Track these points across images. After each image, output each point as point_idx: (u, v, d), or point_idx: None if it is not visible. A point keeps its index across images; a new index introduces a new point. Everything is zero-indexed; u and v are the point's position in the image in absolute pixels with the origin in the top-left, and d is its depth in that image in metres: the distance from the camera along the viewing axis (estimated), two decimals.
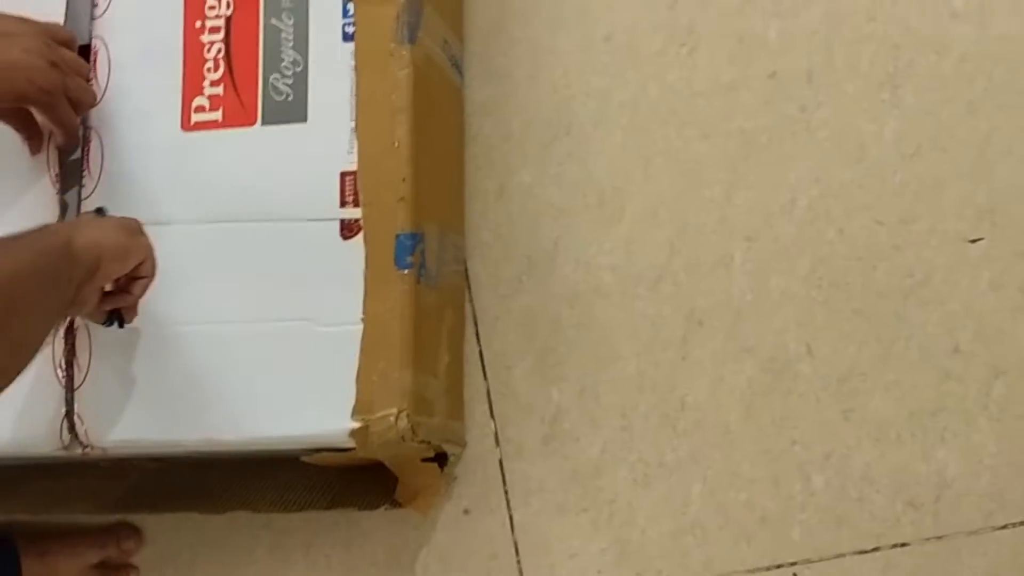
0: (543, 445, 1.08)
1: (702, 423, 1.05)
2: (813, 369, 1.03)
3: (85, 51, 1.03)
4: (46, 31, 0.94)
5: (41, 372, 0.97)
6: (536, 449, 1.08)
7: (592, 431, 1.07)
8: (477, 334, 1.11)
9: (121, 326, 0.94)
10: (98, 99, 1.01)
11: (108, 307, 0.91)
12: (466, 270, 1.12)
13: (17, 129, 0.97)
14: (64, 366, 0.98)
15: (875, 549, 1.00)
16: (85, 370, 0.98)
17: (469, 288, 1.12)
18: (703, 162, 1.09)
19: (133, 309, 0.94)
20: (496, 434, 1.09)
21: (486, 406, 1.10)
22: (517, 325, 1.11)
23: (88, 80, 1.00)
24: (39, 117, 0.97)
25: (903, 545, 1.00)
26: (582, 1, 1.14)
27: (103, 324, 0.93)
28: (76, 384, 0.97)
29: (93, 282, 0.84)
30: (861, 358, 1.03)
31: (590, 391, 1.08)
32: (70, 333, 0.98)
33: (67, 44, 0.97)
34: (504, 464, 1.09)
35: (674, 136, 1.10)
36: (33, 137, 0.98)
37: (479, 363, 1.11)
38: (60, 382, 0.97)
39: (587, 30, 1.14)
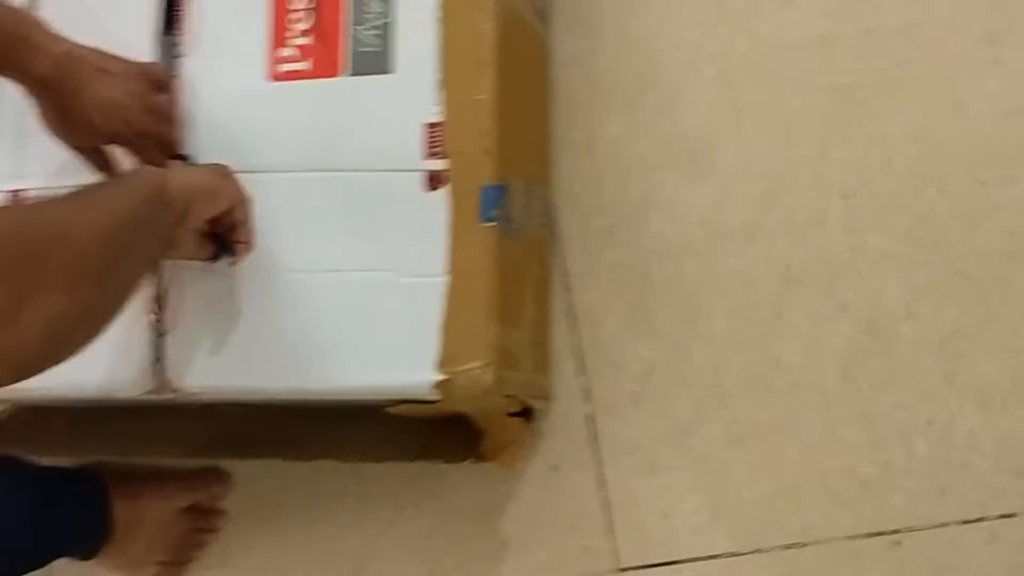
0: (633, 402, 1.04)
1: (798, 384, 1.01)
2: (914, 330, 0.99)
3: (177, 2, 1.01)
4: (145, 72, 0.94)
5: (132, 318, 0.95)
6: (626, 406, 1.04)
7: (683, 389, 1.03)
8: (567, 287, 1.08)
9: (233, 255, 0.93)
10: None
11: (210, 249, 0.91)
12: (555, 222, 1.09)
13: (96, 168, 0.95)
14: (155, 312, 0.97)
15: (980, 519, 0.96)
16: (175, 317, 0.96)
17: (559, 241, 1.08)
18: (796, 117, 1.05)
19: (243, 246, 0.93)
20: (586, 390, 1.06)
21: (575, 361, 1.07)
22: (607, 279, 1.07)
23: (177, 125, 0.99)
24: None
25: (1010, 516, 0.95)
26: None
27: (212, 260, 0.92)
28: (165, 330, 0.96)
29: (185, 224, 0.84)
30: (963, 320, 0.98)
31: (681, 348, 1.04)
32: (161, 281, 0.97)
33: (163, 87, 0.97)
34: (594, 420, 1.05)
35: (765, 91, 1.06)
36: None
37: (568, 317, 1.07)
38: (150, 327, 0.96)
39: None
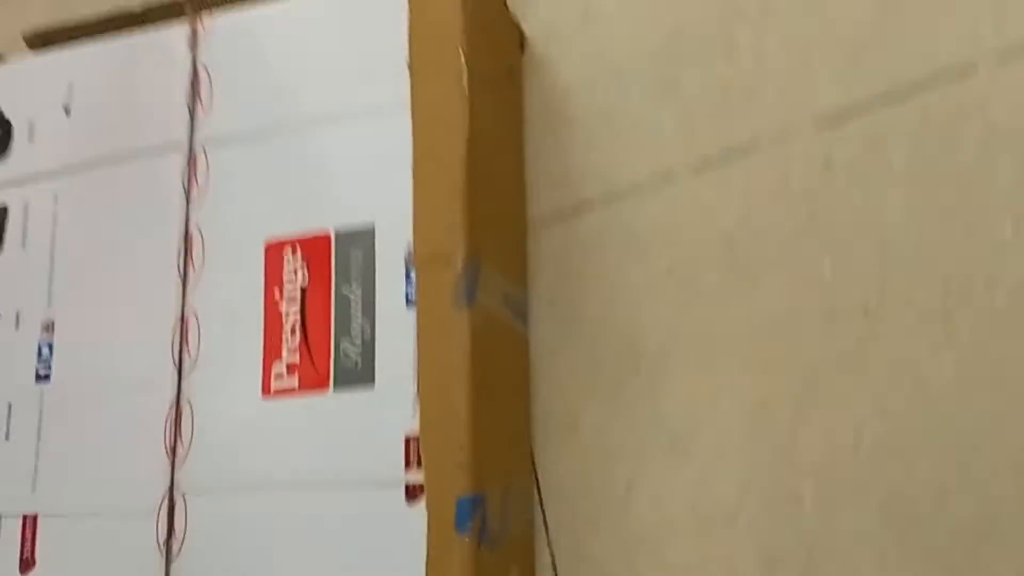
0: None
1: None
2: None
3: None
4: None
5: (143, 544, 1.01)
6: None
7: None
8: None
9: None
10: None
11: None
12: (543, 511, 1.09)
13: None
14: (164, 537, 1.01)
15: None
16: (180, 541, 1.00)
17: (547, 529, 1.09)
18: (766, 400, 1.06)
19: None
20: None
21: None
22: (593, 569, 1.08)
23: None
24: None
25: None
26: (643, 240, 1.13)
27: None
28: (173, 555, 1.00)
29: None
30: None
31: None
32: (172, 509, 1.01)
33: None
34: None
35: (738, 373, 1.07)
36: None
37: None
38: (160, 552, 1.00)
39: (650, 265, 1.13)
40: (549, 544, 1.09)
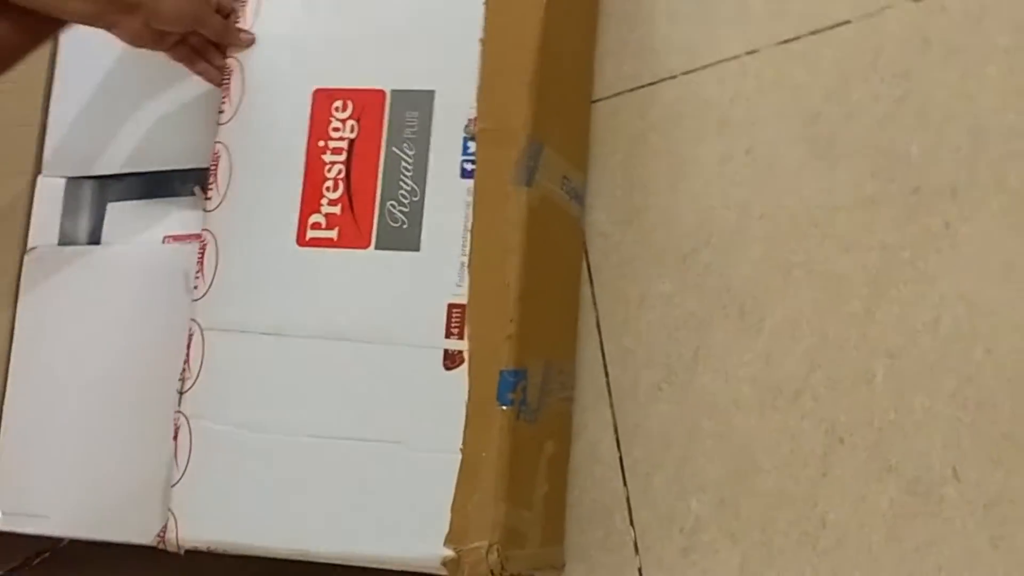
0: (682, 556, 0.97)
1: (843, 542, 0.92)
2: (959, 493, 0.89)
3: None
4: None
5: (149, 466, 0.96)
6: (675, 560, 0.97)
7: (731, 545, 0.95)
8: (617, 441, 1.01)
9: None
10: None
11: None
12: (607, 377, 1.02)
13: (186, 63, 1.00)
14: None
15: None
16: (183, 469, 0.92)
17: (610, 394, 1.03)
18: (844, 276, 0.97)
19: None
20: (635, 542, 0.99)
21: (626, 513, 1.00)
22: (656, 433, 1.00)
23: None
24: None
25: None
26: (723, 115, 1.04)
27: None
28: (173, 482, 0.92)
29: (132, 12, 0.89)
30: (1010, 485, 0.88)
31: (729, 503, 0.96)
32: (179, 430, 0.94)
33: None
34: (643, 573, 0.98)
35: (814, 249, 0.98)
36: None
37: (619, 469, 1.01)
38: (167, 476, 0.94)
39: (728, 142, 1.03)
40: (612, 408, 1.02)
